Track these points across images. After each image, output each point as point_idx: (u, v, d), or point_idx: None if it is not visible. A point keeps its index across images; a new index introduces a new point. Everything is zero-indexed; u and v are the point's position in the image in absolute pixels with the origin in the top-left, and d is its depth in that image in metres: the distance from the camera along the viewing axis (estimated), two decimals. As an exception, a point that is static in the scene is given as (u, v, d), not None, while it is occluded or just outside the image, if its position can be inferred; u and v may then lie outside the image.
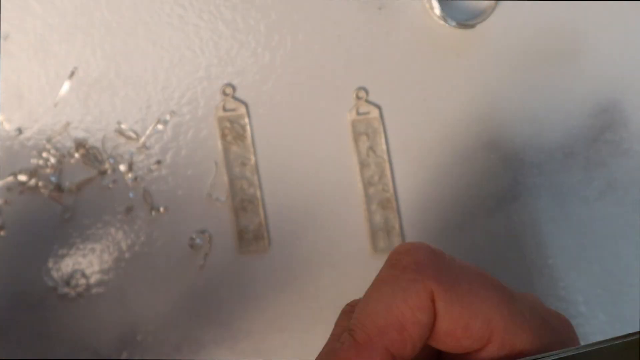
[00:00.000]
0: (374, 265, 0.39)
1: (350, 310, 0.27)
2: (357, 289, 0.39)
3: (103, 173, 0.38)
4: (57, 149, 0.38)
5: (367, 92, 0.39)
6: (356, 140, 0.38)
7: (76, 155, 0.38)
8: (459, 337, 0.23)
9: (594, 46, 0.39)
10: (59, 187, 0.37)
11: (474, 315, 0.22)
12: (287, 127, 0.38)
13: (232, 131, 0.38)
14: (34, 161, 0.38)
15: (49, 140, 0.38)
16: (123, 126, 0.38)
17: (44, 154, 0.38)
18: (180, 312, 0.38)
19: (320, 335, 0.38)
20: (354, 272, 0.38)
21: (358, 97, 0.38)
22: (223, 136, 0.38)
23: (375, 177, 0.38)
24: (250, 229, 0.38)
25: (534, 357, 0.22)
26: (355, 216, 0.38)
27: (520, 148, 0.39)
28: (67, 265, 0.38)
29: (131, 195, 0.38)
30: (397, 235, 0.38)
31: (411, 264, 0.23)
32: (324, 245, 0.38)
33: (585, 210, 0.39)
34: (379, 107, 0.39)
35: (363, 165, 0.38)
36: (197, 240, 0.38)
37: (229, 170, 0.38)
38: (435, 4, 0.38)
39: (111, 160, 0.38)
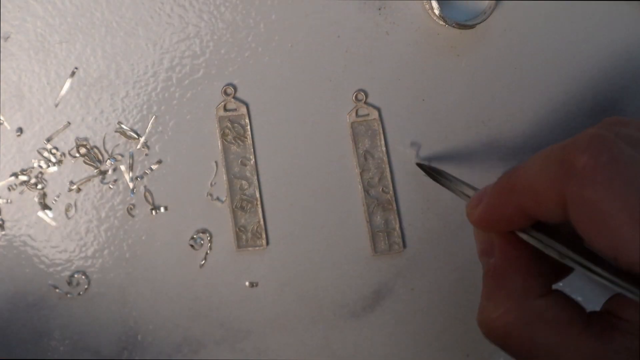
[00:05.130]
0: (374, 266, 0.39)
1: None
2: (357, 289, 0.39)
3: (104, 173, 0.38)
4: (57, 149, 0.38)
5: (366, 94, 0.39)
6: (356, 142, 0.38)
7: (77, 155, 0.38)
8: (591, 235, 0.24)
9: (594, 46, 0.39)
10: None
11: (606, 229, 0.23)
12: (287, 128, 0.38)
13: (233, 131, 0.38)
14: (34, 161, 0.38)
15: (49, 140, 0.38)
16: (124, 126, 0.38)
17: (45, 154, 0.38)
18: (180, 312, 0.38)
19: (320, 336, 0.39)
20: (353, 272, 0.39)
21: (357, 99, 0.38)
22: (223, 136, 0.38)
23: (375, 179, 0.38)
24: (249, 229, 0.38)
25: None
26: (355, 217, 0.39)
27: (520, 148, 0.39)
28: (67, 265, 0.38)
29: (132, 195, 0.38)
30: (398, 236, 0.38)
31: (580, 166, 0.24)
32: (323, 246, 0.38)
33: (585, 210, 0.39)
34: (378, 109, 0.39)
35: (363, 166, 0.38)
36: (198, 240, 0.38)
37: (228, 170, 0.38)
38: (435, 4, 0.38)
39: (112, 160, 0.38)
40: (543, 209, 0.26)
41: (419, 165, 0.38)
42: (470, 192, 0.33)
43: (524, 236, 0.28)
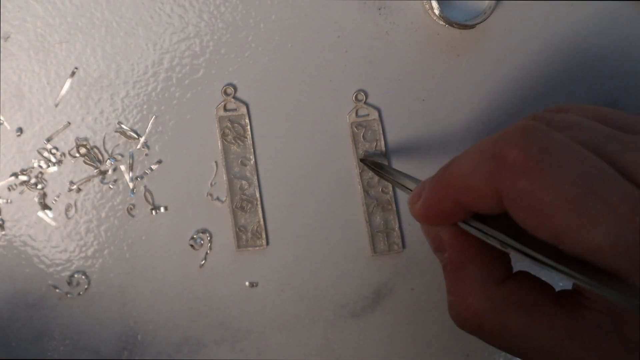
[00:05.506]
0: (374, 266, 0.39)
1: None
2: (357, 289, 0.39)
3: (104, 173, 0.38)
4: (57, 149, 0.38)
5: (366, 94, 0.39)
6: (356, 142, 0.38)
7: (77, 155, 0.38)
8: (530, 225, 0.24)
9: (594, 46, 0.39)
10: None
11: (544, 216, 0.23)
12: (287, 128, 0.38)
13: (233, 131, 0.38)
14: (34, 161, 0.38)
15: (49, 140, 0.38)
16: (124, 126, 0.38)
17: (45, 154, 0.38)
18: (180, 312, 0.38)
19: (320, 336, 0.39)
20: (353, 272, 0.39)
21: (357, 100, 0.38)
22: (223, 136, 0.38)
23: (375, 179, 0.38)
24: (249, 229, 0.38)
25: None
26: (355, 217, 0.39)
27: (520, 148, 0.39)
28: (67, 265, 0.38)
29: (132, 195, 0.38)
30: (397, 236, 0.38)
31: (511, 160, 0.24)
32: (323, 246, 0.38)
33: (585, 210, 0.39)
34: (378, 110, 0.39)
35: (362, 167, 0.38)
36: (197, 240, 0.38)
37: (228, 170, 0.38)
38: (435, 4, 0.38)
39: (112, 160, 0.38)
40: (480, 203, 0.26)
41: (362, 160, 0.38)
42: (412, 186, 0.32)
43: (465, 227, 0.28)
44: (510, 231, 0.26)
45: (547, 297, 0.27)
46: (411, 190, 0.32)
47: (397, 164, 0.39)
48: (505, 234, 0.26)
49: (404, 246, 0.39)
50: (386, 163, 0.37)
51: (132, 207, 0.38)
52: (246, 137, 0.38)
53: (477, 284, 0.28)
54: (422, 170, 0.39)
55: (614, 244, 0.22)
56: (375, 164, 0.36)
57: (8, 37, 0.37)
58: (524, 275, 0.28)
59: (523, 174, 0.24)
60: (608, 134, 0.26)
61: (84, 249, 0.38)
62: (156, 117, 0.38)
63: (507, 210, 0.25)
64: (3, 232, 0.37)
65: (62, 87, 0.38)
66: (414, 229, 0.39)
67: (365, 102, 0.39)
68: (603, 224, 0.23)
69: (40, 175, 0.38)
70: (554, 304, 0.27)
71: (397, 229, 0.38)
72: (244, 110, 0.38)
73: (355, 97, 0.39)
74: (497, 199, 0.25)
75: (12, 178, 0.38)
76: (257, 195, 0.38)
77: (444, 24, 0.38)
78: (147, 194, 0.38)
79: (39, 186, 0.38)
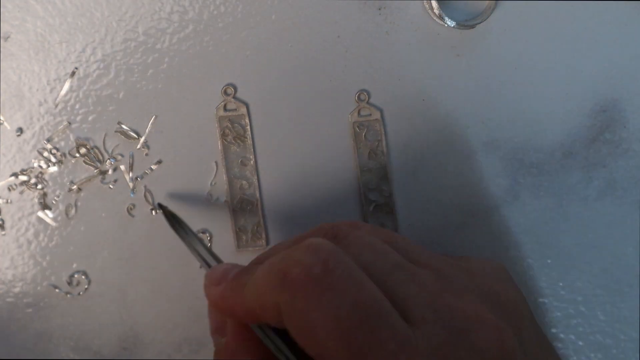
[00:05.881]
0: (374, 265, 0.39)
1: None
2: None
3: (104, 173, 0.38)
4: (57, 149, 0.38)
5: (368, 94, 0.39)
6: (357, 142, 0.38)
7: (77, 155, 0.38)
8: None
9: (594, 46, 0.39)
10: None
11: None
12: (287, 128, 0.38)
13: (233, 131, 0.38)
14: (34, 161, 0.38)
15: (49, 140, 0.38)
16: (124, 126, 0.38)
17: (45, 154, 0.38)
18: (180, 312, 0.38)
19: (320, 335, 0.39)
20: (354, 272, 0.38)
21: (360, 99, 0.38)
22: (223, 136, 0.38)
23: (375, 180, 0.38)
24: (249, 229, 0.38)
25: None
26: (354, 218, 0.39)
27: (520, 148, 0.39)
28: (67, 265, 0.38)
29: (132, 195, 0.38)
30: (397, 235, 0.38)
31: (292, 277, 0.25)
32: (324, 245, 0.38)
33: (584, 210, 0.39)
34: (380, 110, 0.39)
35: (363, 167, 0.38)
36: (197, 240, 0.38)
37: (228, 170, 0.38)
38: (435, 4, 0.38)
39: (112, 160, 0.38)
40: (267, 316, 0.26)
41: (160, 205, 0.36)
42: (206, 254, 0.32)
43: (253, 325, 0.28)
44: (290, 341, 0.26)
45: None
46: (203, 259, 0.32)
47: (397, 164, 0.39)
48: (285, 342, 0.27)
49: (404, 246, 0.39)
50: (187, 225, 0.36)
51: (132, 207, 0.38)
52: (246, 137, 0.38)
53: None
54: (422, 170, 0.39)
55: None
56: (174, 216, 0.35)
57: (8, 37, 0.37)
58: None
59: (302, 292, 0.24)
60: (396, 262, 0.27)
61: (84, 249, 0.38)
62: (156, 117, 0.38)
63: (285, 324, 0.25)
64: (3, 232, 0.37)
65: (62, 87, 0.38)
66: (414, 229, 0.39)
67: (367, 102, 0.39)
68: (369, 357, 0.23)
69: (40, 175, 0.38)
70: None
71: (396, 229, 0.38)
72: (244, 110, 0.38)
73: (358, 96, 0.39)
74: (278, 313, 0.25)
75: (12, 178, 0.37)
76: (257, 195, 0.38)
77: (444, 24, 0.38)
78: (147, 194, 0.38)
79: (39, 186, 0.37)
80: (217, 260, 0.32)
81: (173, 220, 0.35)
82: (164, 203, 0.38)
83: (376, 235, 0.29)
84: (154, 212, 0.38)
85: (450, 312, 0.25)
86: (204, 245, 0.33)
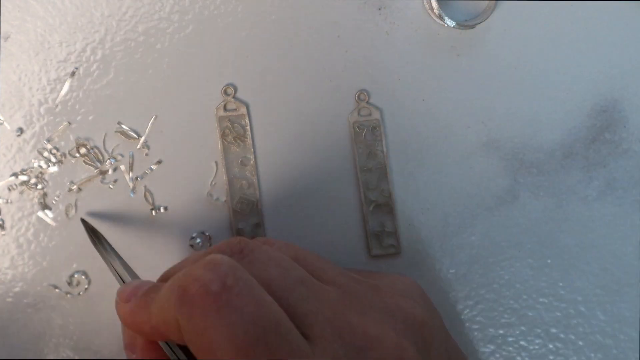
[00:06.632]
0: (374, 266, 0.39)
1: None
2: (357, 289, 0.39)
3: (104, 173, 0.38)
4: (57, 149, 0.38)
5: (368, 94, 0.39)
6: (357, 142, 0.38)
7: (77, 155, 0.38)
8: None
9: (594, 46, 0.39)
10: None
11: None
12: (287, 128, 0.38)
13: (233, 131, 0.38)
14: (34, 161, 0.38)
15: (49, 140, 0.38)
16: (124, 126, 0.38)
17: (45, 154, 0.38)
18: (181, 312, 0.38)
19: (320, 335, 0.39)
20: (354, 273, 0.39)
21: (360, 99, 0.38)
22: (223, 136, 0.38)
23: (375, 180, 0.38)
24: (248, 229, 0.38)
25: None
26: (354, 218, 0.39)
27: (520, 148, 0.39)
28: (67, 265, 0.38)
29: (132, 195, 0.38)
30: (395, 239, 0.38)
31: (191, 293, 0.25)
32: (322, 247, 0.38)
33: (584, 210, 0.39)
34: (380, 110, 0.39)
35: (363, 167, 0.38)
36: (198, 240, 0.38)
37: (228, 170, 0.38)
38: (435, 4, 0.38)
39: (112, 160, 0.38)
40: (169, 334, 0.26)
41: (82, 220, 0.36)
42: (122, 272, 0.33)
43: (161, 343, 0.29)
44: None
45: None
46: (122, 279, 0.32)
47: (397, 164, 0.39)
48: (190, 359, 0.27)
49: (402, 247, 0.39)
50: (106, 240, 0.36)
51: (132, 207, 0.38)
52: (246, 137, 0.38)
53: None
54: (422, 170, 0.39)
55: None
56: (94, 231, 0.36)
57: (8, 37, 0.37)
58: None
59: (199, 309, 0.24)
60: (300, 278, 0.27)
61: (84, 249, 0.38)
62: (156, 117, 0.38)
63: (185, 341, 0.25)
64: (3, 232, 0.37)
65: (62, 87, 0.38)
66: (413, 229, 0.39)
67: (367, 102, 0.39)
68: None
69: (40, 175, 0.38)
70: None
71: (394, 231, 0.38)
72: (244, 110, 0.38)
73: (358, 96, 0.39)
74: (179, 330, 0.25)
75: (12, 178, 0.37)
76: (257, 195, 0.38)
77: (444, 24, 0.38)
78: (147, 194, 0.38)
79: (39, 186, 0.37)
80: (135, 277, 0.33)
81: (93, 235, 0.35)
82: (164, 203, 0.38)
83: (285, 251, 0.30)
84: (154, 212, 0.38)
85: (350, 329, 0.26)
86: (122, 262, 0.33)
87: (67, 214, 0.38)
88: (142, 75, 0.38)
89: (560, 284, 0.39)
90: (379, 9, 0.39)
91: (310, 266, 0.29)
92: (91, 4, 0.38)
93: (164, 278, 0.31)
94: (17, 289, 0.37)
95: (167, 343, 0.29)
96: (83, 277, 0.38)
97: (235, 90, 0.38)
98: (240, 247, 0.29)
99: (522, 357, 0.39)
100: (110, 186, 0.38)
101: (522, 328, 0.39)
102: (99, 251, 0.35)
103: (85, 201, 0.38)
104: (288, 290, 0.26)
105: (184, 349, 0.28)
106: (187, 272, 0.25)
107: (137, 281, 0.31)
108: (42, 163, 0.38)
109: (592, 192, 0.39)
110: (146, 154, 0.38)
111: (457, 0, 0.39)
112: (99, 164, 0.38)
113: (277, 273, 0.27)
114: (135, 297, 0.29)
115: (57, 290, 0.37)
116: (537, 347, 0.39)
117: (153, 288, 0.29)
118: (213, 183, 0.38)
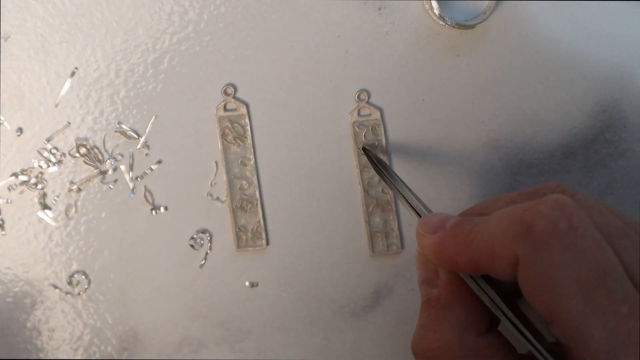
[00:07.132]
0: (374, 266, 0.39)
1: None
2: (357, 289, 0.39)
3: (104, 173, 0.38)
4: (57, 149, 0.38)
5: (369, 94, 0.39)
6: (357, 142, 0.38)
7: (77, 155, 0.38)
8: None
9: (594, 46, 0.39)
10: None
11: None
12: (287, 128, 0.38)
13: (233, 131, 0.38)
14: (34, 161, 0.38)
15: (49, 140, 0.38)
16: (124, 126, 0.38)
17: (45, 154, 0.38)
18: (180, 312, 0.38)
19: (320, 336, 0.39)
20: (354, 272, 0.39)
21: (360, 99, 0.38)
22: (223, 136, 0.38)
23: (375, 179, 0.38)
24: (249, 229, 0.38)
25: None
26: (355, 218, 0.39)
27: (520, 148, 0.39)
28: (67, 265, 0.38)
29: (132, 195, 0.38)
30: (396, 237, 0.38)
31: (537, 229, 0.24)
32: (323, 246, 0.38)
33: (584, 210, 0.39)
34: (380, 109, 0.39)
35: (363, 167, 0.38)
36: (197, 240, 0.38)
37: (228, 170, 0.38)
38: (435, 4, 0.38)
39: (112, 160, 0.38)
40: (496, 267, 0.26)
41: (364, 150, 0.36)
42: (412, 199, 0.32)
43: (465, 277, 0.28)
44: (503, 295, 0.26)
45: (513, 359, 0.27)
46: (409, 204, 0.32)
47: (397, 165, 0.39)
48: (499, 297, 0.27)
49: (403, 246, 0.39)
50: (387, 162, 0.37)
51: (132, 207, 0.38)
52: (246, 137, 0.38)
53: (457, 329, 0.28)
54: (422, 170, 0.39)
55: (604, 339, 0.23)
56: (379, 160, 0.36)
57: (8, 37, 0.37)
58: (497, 334, 0.28)
59: (546, 246, 0.24)
60: (621, 229, 0.27)
61: (84, 249, 0.38)
62: (156, 117, 0.38)
63: (518, 276, 0.25)
64: (3, 232, 0.37)
65: (62, 87, 0.38)
66: (412, 229, 0.39)
67: (367, 102, 0.39)
68: (602, 317, 0.23)
69: (40, 175, 0.38)
70: None
71: (396, 229, 0.38)
72: (244, 110, 0.38)
73: (358, 96, 0.39)
74: (513, 264, 0.25)
75: (12, 178, 0.38)
76: (257, 195, 0.38)
77: (444, 24, 0.38)
78: (147, 194, 0.38)
79: (39, 186, 0.37)
80: (427, 209, 0.32)
81: (379, 165, 0.34)
82: (164, 203, 0.38)
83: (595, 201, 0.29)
84: (154, 212, 0.38)
85: None
86: (413, 193, 0.32)
87: (67, 214, 0.38)
88: (142, 75, 0.38)
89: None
90: (379, 9, 0.39)
91: (620, 217, 0.28)
92: (91, 4, 0.38)
93: (469, 213, 0.30)
94: (17, 289, 0.37)
95: (472, 278, 0.28)
96: (83, 277, 0.38)
97: (235, 90, 0.38)
98: (561, 190, 0.28)
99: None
100: (110, 186, 0.38)
101: (522, 328, 0.39)
102: (386, 182, 0.33)
103: (85, 201, 0.38)
104: (617, 237, 0.26)
105: (490, 284, 0.27)
106: (531, 208, 0.25)
107: (441, 213, 0.30)
108: (42, 163, 0.38)
109: (592, 193, 0.39)
110: (146, 154, 0.38)
111: (457, 0, 0.39)
112: (99, 164, 0.38)
113: (602, 221, 0.26)
114: (444, 228, 0.28)
115: (57, 290, 0.38)
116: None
117: (467, 220, 0.28)
118: (213, 183, 0.38)
